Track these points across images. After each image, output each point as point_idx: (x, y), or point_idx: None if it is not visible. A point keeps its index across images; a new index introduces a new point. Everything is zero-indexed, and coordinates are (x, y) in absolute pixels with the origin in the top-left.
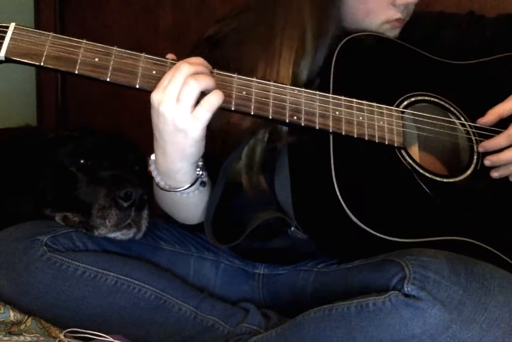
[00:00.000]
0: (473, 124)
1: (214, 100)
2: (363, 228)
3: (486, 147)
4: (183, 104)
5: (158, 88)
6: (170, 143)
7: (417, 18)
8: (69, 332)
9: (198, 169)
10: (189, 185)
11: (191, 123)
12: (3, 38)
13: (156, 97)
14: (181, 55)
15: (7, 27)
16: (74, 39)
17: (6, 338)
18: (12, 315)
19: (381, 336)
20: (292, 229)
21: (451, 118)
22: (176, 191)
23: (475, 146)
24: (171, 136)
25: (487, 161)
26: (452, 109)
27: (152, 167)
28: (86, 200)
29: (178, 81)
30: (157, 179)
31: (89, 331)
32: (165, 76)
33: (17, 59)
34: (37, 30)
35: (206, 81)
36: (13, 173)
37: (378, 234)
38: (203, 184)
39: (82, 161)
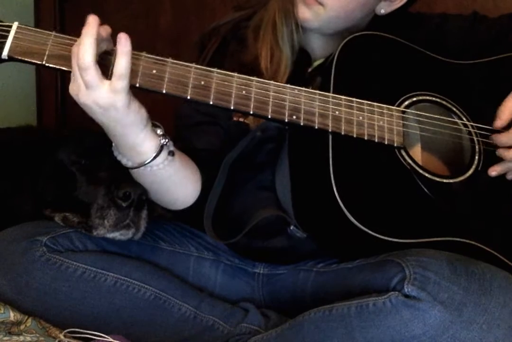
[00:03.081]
0: (475, 124)
1: (122, 65)
2: (361, 228)
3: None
4: (92, 87)
5: (71, 82)
6: (109, 122)
7: (420, 19)
8: (69, 332)
9: (161, 138)
10: (154, 154)
11: (113, 97)
12: (6, 37)
13: (71, 91)
14: (181, 55)
15: (10, 26)
16: (75, 38)
17: (6, 338)
18: (12, 315)
19: (381, 336)
20: (292, 227)
21: (453, 118)
22: (146, 164)
23: (476, 147)
24: (105, 117)
25: (497, 152)
26: (454, 109)
27: (116, 153)
28: (85, 200)
29: (75, 68)
30: (124, 160)
31: (89, 331)
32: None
33: (20, 58)
34: (40, 30)
35: (89, 51)
36: (13, 173)
37: (375, 234)
38: (171, 153)
39: (81, 161)
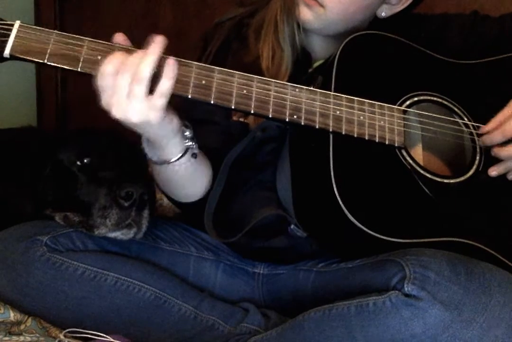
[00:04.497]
0: (477, 124)
1: (166, 85)
2: (361, 228)
3: (484, 143)
4: (135, 99)
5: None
6: (144, 132)
7: (421, 19)
8: (69, 332)
9: (187, 140)
10: (179, 156)
11: (150, 114)
12: (8, 35)
13: (105, 104)
14: (181, 56)
15: (12, 25)
16: (77, 37)
17: (6, 338)
18: (12, 315)
19: (382, 336)
20: (292, 226)
21: (455, 118)
22: (169, 163)
23: (477, 147)
24: (140, 129)
25: (492, 152)
26: (456, 109)
27: (144, 144)
28: (86, 199)
29: (123, 80)
30: (150, 154)
31: (89, 331)
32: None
33: (22, 56)
34: (42, 28)
35: (151, 65)
36: (14, 173)
37: (376, 234)
38: (194, 155)
39: (83, 161)
